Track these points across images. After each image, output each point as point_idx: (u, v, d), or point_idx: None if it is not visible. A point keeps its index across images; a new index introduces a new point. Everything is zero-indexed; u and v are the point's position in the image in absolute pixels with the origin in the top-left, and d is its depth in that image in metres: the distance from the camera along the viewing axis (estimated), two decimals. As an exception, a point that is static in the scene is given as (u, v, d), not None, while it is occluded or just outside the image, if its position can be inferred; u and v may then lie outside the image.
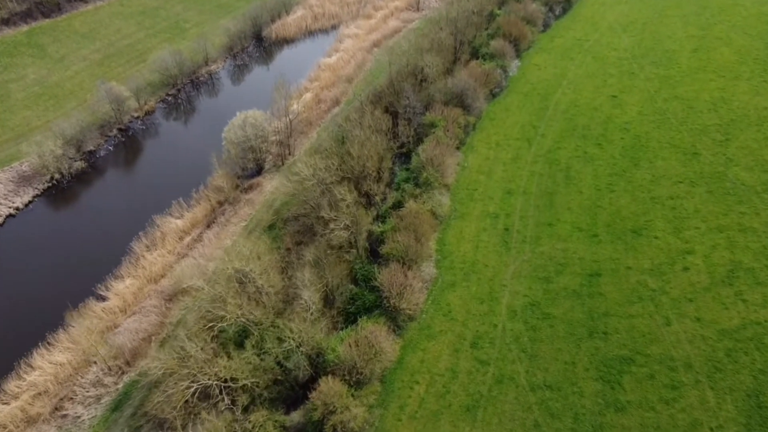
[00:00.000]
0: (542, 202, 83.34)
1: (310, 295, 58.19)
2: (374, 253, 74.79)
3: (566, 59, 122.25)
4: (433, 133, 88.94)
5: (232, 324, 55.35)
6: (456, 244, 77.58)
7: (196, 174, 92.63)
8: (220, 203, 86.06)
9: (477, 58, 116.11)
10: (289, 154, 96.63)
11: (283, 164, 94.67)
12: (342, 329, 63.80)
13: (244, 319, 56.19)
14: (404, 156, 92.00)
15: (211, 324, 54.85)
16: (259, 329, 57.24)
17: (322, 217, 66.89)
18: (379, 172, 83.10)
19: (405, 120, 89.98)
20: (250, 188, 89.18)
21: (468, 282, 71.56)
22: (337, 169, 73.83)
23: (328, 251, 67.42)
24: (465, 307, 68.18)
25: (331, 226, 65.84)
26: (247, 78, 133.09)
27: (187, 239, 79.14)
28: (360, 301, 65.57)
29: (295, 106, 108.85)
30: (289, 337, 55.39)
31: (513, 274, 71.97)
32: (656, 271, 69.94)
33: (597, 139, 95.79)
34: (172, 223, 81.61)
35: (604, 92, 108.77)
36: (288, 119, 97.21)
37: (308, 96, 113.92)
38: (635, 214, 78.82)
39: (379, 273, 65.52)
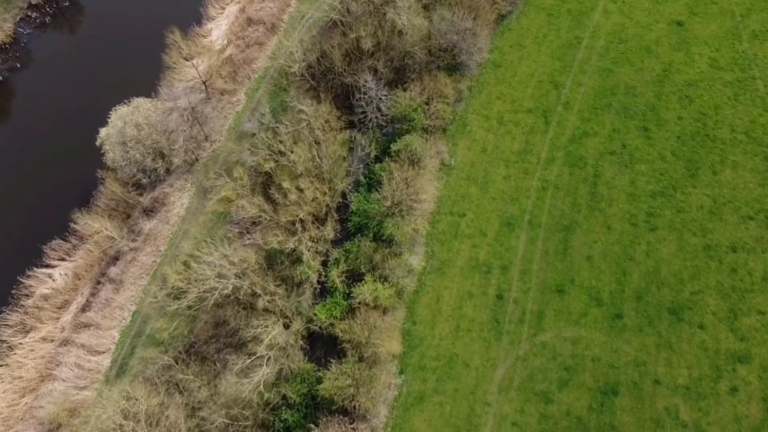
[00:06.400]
0: (554, 244, 60.45)
1: None
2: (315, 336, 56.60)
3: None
4: (407, 132, 60.65)
5: None
6: (430, 322, 57.80)
7: (86, 154, 67.04)
8: (112, 239, 62.86)
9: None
10: (206, 139, 68.63)
11: (197, 159, 67.76)
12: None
13: None
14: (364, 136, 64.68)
15: None
16: None
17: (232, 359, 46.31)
18: (325, 207, 58.67)
19: (366, 126, 60.82)
20: (152, 209, 64.73)
21: (441, 395, 54.32)
22: (255, 254, 49.95)
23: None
24: (434, 443, 52.49)
25: (245, 380, 45.61)
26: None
27: (70, 314, 58.92)
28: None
29: (212, 36, 75.70)
30: None
31: (502, 383, 54.24)
32: (693, 391, 52.04)
33: (644, 115, 66.78)
34: (48, 282, 60.28)
35: (665, 13, 73.82)
36: (199, 72, 66.47)
37: (232, 11, 78.41)
38: (679, 279, 57.01)
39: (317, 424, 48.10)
